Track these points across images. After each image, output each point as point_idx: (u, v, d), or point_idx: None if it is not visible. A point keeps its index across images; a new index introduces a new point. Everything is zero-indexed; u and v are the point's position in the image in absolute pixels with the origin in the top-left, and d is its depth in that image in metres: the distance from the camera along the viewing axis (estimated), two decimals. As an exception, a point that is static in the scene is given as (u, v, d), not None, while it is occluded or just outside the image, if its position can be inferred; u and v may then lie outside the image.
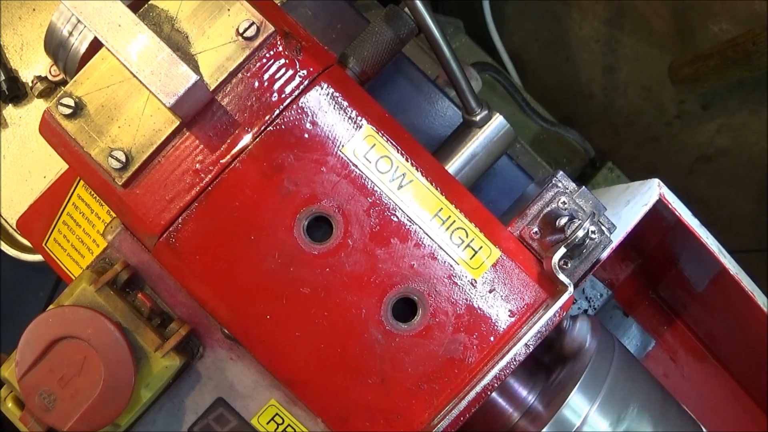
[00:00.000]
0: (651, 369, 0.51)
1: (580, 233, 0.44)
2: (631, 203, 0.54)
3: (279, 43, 0.43)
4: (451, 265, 0.45)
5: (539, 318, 0.44)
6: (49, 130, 0.44)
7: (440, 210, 0.45)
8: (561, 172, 0.48)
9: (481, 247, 0.45)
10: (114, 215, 0.50)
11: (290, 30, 0.44)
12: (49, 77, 0.79)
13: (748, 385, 0.65)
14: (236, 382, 0.49)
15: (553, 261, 0.44)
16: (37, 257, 0.80)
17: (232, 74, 0.43)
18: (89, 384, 0.45)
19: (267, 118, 0.43)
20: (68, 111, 0.43)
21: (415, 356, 0.45)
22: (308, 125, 0.44)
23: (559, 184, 0.48)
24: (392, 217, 0.45)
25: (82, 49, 0.46)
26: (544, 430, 0.44)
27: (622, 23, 1.35)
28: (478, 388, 0.43)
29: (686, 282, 0.62)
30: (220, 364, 0.49)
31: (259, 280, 0.44)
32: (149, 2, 0.43)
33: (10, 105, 0.84)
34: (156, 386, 0.47)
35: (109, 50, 0.39)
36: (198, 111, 0.43)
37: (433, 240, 0.45)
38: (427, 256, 0.45)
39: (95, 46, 0.45)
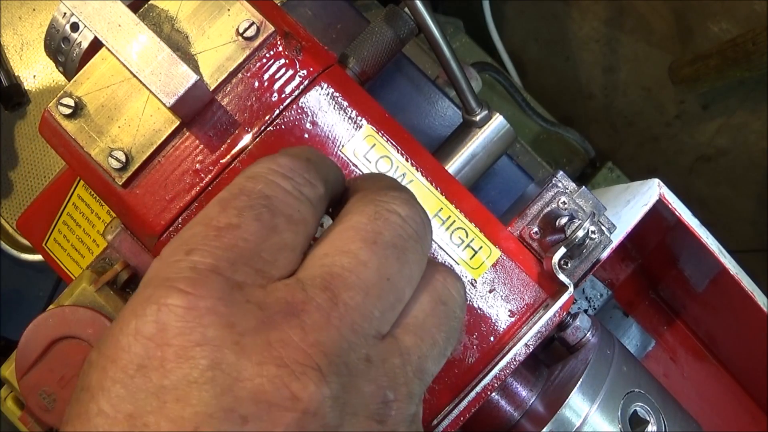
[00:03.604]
0: (651, 369, 0.51)
1: (580, 233, 0.44)
2: (631, 203, 0.54)
3: (279, 43, 0.43)
4: (451, 266, 0.45)
5: (539, 318, 0.44)
6: (49, 130, 0.44)
7: (440, 210, 0.45)
8: (561, 172, 0.48)
9: (481, 247, 0.45)
10: (114, 215, 0.50)
11: (290, 30, 0.44)
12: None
13: (748, 385, 0.65)
14: (236, 382, 0.49)
15: (553, 261, 0.44)
16: (37, 257, 0.81)
17: (232, 74, 0.43)
18: (89, 384, 0.45)
19: (267, 118, 0.43)
20: (68, 111, 0.43)
21: (415, 356, 0.45)
22: (308, 125, 0.44)
23: (559, 184, 0.48)
24: (392, 217, 0.45)
25: (82, 49, 0.46)
26: (545, 430, 0.44)
27: (622, 23, 1.35)
28: (478, 388, 0.43)
29: (686, 282, 0.62)
30: (220, 364, 0.49)
31: (259, 280, 0.44)
32: (149, 2, 0.43)
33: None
34: (156, 386, 0.47)
35: (109, 50, 0.39)
36: (198, 111, 0.43)
37: (433, 240, 0.45)
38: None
39: (95, 46, 0.45)
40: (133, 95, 0.43)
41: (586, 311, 0.63)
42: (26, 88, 0.84)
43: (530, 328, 0.44)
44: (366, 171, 0.45)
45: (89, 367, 0.26)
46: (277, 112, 0.44)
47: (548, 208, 0.47)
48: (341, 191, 0.36)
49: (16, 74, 0.84)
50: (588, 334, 0.49)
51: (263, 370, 0.25)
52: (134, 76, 0.39)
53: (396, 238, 0.30)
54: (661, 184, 0.53)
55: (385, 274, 0.29)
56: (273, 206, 0.29)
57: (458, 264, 0.45)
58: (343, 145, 0.44)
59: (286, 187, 0.30)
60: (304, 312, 0.26)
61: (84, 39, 0.46)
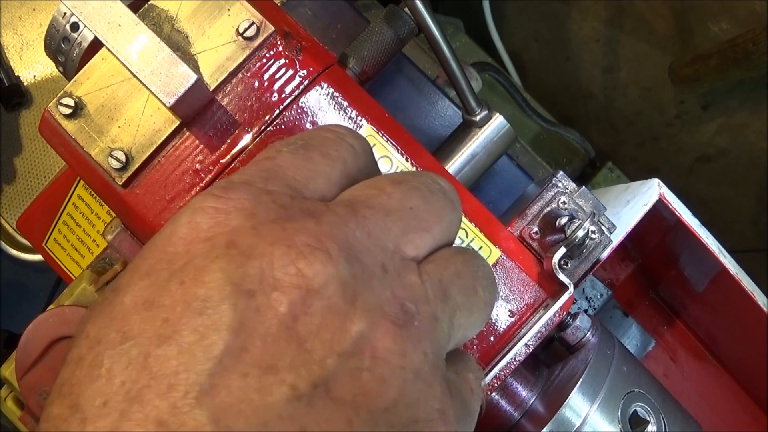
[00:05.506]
0: (651, 369, 0.51)
1: (580, 233, 0.44)
2: (631, 203, 0.54)
3: (279, 43, 0.43)
4: (451, 265, 0.45)
5: (539, 318, 0.44)
6: (48, 129, 0.44)
7: (440, 210, 0.45)
8: (561, 172, 0.48)
9: (481, 247, 0.45)
10: (114, 215, 0.50)
11: (290, 30, 0.44)
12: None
13: (748, 385, 0.65)
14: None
15: (553, 261, 0.44)
16: (37, 257, 0.81)
17: (232, 74, 0.43)
18: (89, 384, 0.44)
19: (267, 118, 0.43)
20: (68, 111, 0.43)
21: (415, 356, 0.45)
22: (308, 125, 0.44)
23: (559, 184, 0.48)
24: (392, 217, 0.45)
25: (82, 49, 0.46)
26: (545, 430, 0.44)
27: (622, 23, 1.35)
28: (478, 388, 0.43)
29: (686, 282, 0.62)
30: (220, 364, 0.49)
31: (259, 280, 0.44)
32: (149, 2, 0.43)
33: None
34: (156, 386, 0.47)
35: (109, 50, 0.39)
36: (198, 111, 0.43)
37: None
38: (427, 256, 0.45)
39: (95, 46, 0.45)
40: (133, 95, 0.43)
41: (586, 311, 0.63)
42: (26, 88, 0.84)
43: (530, 328, 0.44)
44: (366, 171, 0.45)
45: (125, 271, 0.27)
46: (277, 112, 0.44)
47: (548, 208, 0.47)
48: None
49: (16, 74, 0.84)
50: (588, 334, 0.49)
51: (274, 249, 0.25)
52: (134, 76, 0.39)
53: (423, 185, 0.31)
54: (661, 184, 0.53)
55: (408, 204, 0.30)
56: (309, 144, 0.31)
57: (458, 264, 0.45)
58: (343, 145, 0.44)
59: (325, 135, 0.32)
60: (323, 215, 0.28)
61: (84, 39, 0.46)
